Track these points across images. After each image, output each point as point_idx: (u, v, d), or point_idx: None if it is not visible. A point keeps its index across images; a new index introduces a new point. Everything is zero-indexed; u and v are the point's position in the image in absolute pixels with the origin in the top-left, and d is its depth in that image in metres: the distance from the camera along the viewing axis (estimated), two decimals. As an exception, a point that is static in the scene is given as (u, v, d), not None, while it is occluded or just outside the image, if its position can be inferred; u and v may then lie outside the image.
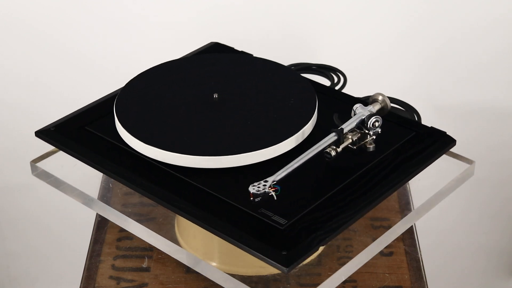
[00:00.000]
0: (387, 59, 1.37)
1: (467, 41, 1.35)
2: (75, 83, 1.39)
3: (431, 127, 0.94)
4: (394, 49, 1.36)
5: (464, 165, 0.97)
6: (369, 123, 0.85)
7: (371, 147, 0.87)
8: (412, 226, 1.01)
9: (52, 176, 0.99)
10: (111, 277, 0.97)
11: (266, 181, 0.80)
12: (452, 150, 0.95)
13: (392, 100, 1.05)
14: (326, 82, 1.08)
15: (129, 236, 1.00)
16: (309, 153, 0.84)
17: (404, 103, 1.05)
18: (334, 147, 0.84)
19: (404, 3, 1.31)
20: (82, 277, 0.98)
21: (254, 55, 1.09)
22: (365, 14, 1.33)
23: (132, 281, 0.96)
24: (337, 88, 1.07)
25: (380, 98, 0.89)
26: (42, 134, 0.98)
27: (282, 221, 0.80)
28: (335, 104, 0.99)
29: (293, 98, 0.95)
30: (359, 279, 0.94)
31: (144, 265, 0.97)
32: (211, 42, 1.14)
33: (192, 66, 1.04)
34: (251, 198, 0.78)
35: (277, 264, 0.76)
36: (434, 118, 1.41)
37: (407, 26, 1.34)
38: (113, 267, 0.97)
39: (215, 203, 0.83)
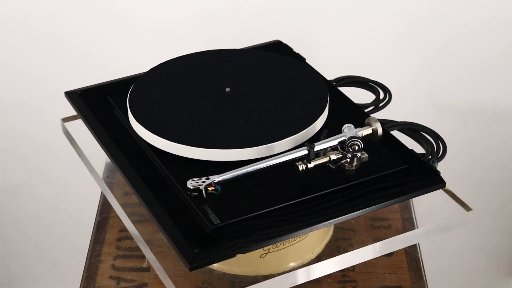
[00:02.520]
0: (387, 58, 1.37)
1: (467, 41, 1.35)
2: (76, 83, 1.39)
3: (428, 163, 0.89)
4: (394, 48, 1.36)
5: (460, 210, 0.94)
6: (347, 145, 0.83)
7: (350, 170, 0.84)
8: (413, 227, 1.01)
9: (72, 139, 1.04)
10: (111, 277, 0.97)
11: (208, 178, 0.80)
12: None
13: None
14: (370, 96, 1.06)
15: (129, 236, 1.00)
16: (268, 161, 0.83)
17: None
18: (305, 161, 0.83)
19: (405, 2, 1.31)
20: (82, 277, 0.98)
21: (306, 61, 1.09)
22: (365, 13, 1.33)
23: (132, 281, 0.96)
24: (380, 105, 1.04)
25: (373, 123, 0.86)
26: (68, 95, 1.04)
27: (215, 221, 0.80)
28: (351, 117, 0.97)
29: (300, 106, 0.94)
30: (359, 279, 0.94)
31: (144, 265, 0.97)
32: (275, 40, 1.13)
33: (218, 60, 1.05)
34: (188, 192, 0.80)
35: (183, 258, 0.77)
36: (434, 117, 1.41)
37: (407, 25, 1.34)
38: (113, 267, 0.97)
39: (166, 187, 0.85)
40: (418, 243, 1.00)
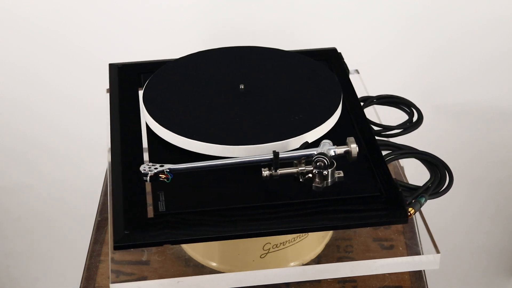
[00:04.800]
0: (386, 58, 1.37)
1: (467, 41, 1.35)
2: (77, 82, 1.39)
3: (399, 195, 0.84)
4: (393, 48, 1.36)
5: (430, 251, 0.91)
6: (314, 160, 0.82)
7: (316, 186, 0.83)
8: (414, 227, 1.01)
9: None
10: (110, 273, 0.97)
11: (161, 166, 0.81)
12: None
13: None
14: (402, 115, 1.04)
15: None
16: (228, 160, 0.83)
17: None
18: (272, 168, 0.82)
19: (402, 3, 1.31)
20: (82, 277, 0.98)
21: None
22: (364, 13, 1.33)
23: (131, 274, 0.96)
24: (408, 127, 1.02)
25: (349, 144, 0.83)
26: (110, 67, 1.07)
27: (161, 208, 0.81)
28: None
29: (301, 115, 0.93)
30: (359, 279, 0.94)
31: (144, 258, 0.96)
32: (332, 47, 1.12)
33: (234, 57, 1.06)
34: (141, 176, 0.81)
35: (112, 236, 0.79)
36: (433, 117, 1.41)
37: (407, 25, 1.34)
38: (112, 260, 0.96)
39: (138, 168, 0.85)
40: (420, 243, 1.00)
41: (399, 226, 0.99)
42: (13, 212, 1.55)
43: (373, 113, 1.03)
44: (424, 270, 0.97)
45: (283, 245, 0.91)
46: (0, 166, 1.49)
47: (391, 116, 1.04)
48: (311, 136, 0.90)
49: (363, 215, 0.82)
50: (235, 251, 0.92)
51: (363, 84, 1.08)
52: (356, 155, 0.83)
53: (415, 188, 0.89)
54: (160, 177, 0.81)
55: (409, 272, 0.96)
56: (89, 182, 1.47)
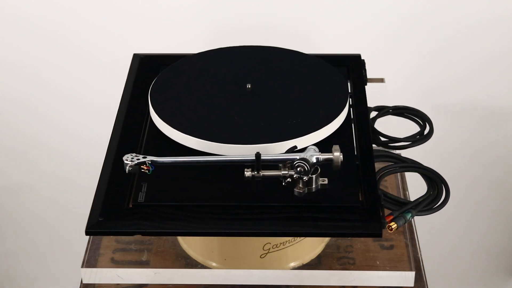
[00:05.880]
0: (386, 58, 1.37)
1: (467, 41, 1.35)
2: (78, 82, 1.39)
3: (378, 211, 0.82)
4: (393, 47, 1.36)
5: (404, 268, 0.92)
6: (294, 165, 0.81)
7: (298, 191, 0.83)
8: (412, 227, 1.01)
9: None
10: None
11: (144, 157, 0.83)
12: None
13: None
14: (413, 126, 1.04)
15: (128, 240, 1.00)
16: (211, 158, 0.84)
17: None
18: (255, 169, 0.82)
19: (402, 2, 1.31)
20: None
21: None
22: (361, 12, 1.33)
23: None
24: (417, 139, 1.01)
25: (333, 152, 0.82)
26: (133, 57, 1.08)
27: (140, 199, 0.83)
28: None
29: (299, 119, 0.92)
30: (359, 279, 0.94)
31: (144, 258, 0.96)
32: (357, 54, 1.11)
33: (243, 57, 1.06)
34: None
35: (86, 223, 0.82)
36: (432, 116, 1.41)
37: (407, 24, 1.34)
38: (112, 260, 0.96)
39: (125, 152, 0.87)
40: (418, 243, 1.00)
41: (400, 228, 0.99)
42: (13, 212, 1.55)
43: (388, 122, 1.03)
44: (424, 270, 0.97)
45: (283, 245, 0.91)
46: (0, 166, 1.49)
47: (407, 127, 1.03)
48: (307, 140, 0.89)
49: (337, 225, 0.81)
50: (235, 251, 0.92)
51: (386, 93, 1.07)
52: (339, 164, 0.82)
53: (406, 203, 0.88)
54: (142, 168, 0.82)
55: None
56: (89, 182, 1.47)
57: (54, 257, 1.62)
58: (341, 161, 0.82)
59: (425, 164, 0.95)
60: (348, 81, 1.03)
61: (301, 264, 0.94)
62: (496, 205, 1.55)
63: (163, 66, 1.04)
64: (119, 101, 1.00)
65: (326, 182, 0.83)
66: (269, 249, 0.91)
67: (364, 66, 1.08)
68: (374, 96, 1.05)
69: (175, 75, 1.01)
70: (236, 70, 1.02)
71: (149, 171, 0.82)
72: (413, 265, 0.92)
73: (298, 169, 0.81)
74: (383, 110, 1.03)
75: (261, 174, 0.82)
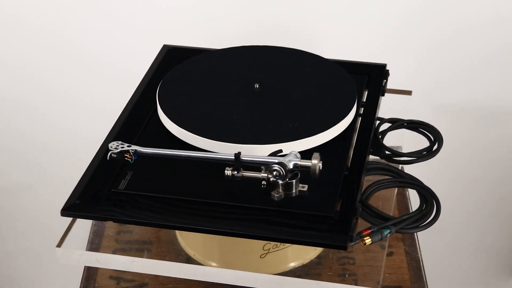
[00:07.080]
0: (386, 57, 1.37)
1: (467, 40, 1.35)
2: (78, 82, 1.39)
3: (348, 224, 0.81)
4: (393, 47, 1.36)
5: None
6: (271, 167, 0.81)
7: (274, 194, 0.82)
8: (413, 235, 1.01)
9: None
10: (111, 277, 0.97)
11: (129, 146, 0.85)
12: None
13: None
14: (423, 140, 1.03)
15: (128, 229, 1.00)
16: (192, 153, 0.85)
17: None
18: (235, 168, 0.82)
19: (401, 1, 1.31)
20: (82, 277, 0.98)
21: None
22: (361, 11, 1.33)
23: (132, 281, 0.96)
24: (424, 154, 0.99)
25: (312, 160, 0.81)
26: (163, 47, 1.12)
27: (121, 187, 0.85)
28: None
29: (297, 123, 0.92)
30: (359, 279, 0.94)
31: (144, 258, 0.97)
32: (382, 63, 1.10)
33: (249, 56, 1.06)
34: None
35: (64, 204, 0.84)
36: (432, 116, 1.41)
37: (406, 24, 1.34)
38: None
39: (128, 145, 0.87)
40: (418, 244, 1.01)
41: (399, 234, 0.98)
42: (13, 212, 1.55)
43: (401, 135, 1.03)
44: (424, 270, 0.97)
45: (283, 245, 0.92)
46: (0, 166, 1.49)
47: (417, 141, 1.03)
48: (301, 145, 0.89)
49: (304, 233, 0.80)
50: (235, 251, 0.92)
51: (408, 106, 1.06)
52: (316, 172, 0.81)
53: (389, 218, 0.86)
54: (126, 156, 0.84)
55: (409, 272, 0.96)
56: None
57: (54, 257, 1.62)
58: (319, 170, 0.81)
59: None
60: (366, 90, 1.02)
61: (301, 264, 0.94)
62: (496, 205, 1.55)
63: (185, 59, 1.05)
64: (135, 89, 1.02)
65: (305, 188, 0.83)
66: (269, 249, 0.91)
67: (387, 76, 1.06)
68: (395, 107, 1.05)
69: (191, 69, 1.02)
70: (249, 70, 1.02)
71: (131, 160, 0.84)
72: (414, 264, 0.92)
73: (274, 173, 0.81)
74: (397, 123, 1.02)
75: (241, 174, 0.82)
